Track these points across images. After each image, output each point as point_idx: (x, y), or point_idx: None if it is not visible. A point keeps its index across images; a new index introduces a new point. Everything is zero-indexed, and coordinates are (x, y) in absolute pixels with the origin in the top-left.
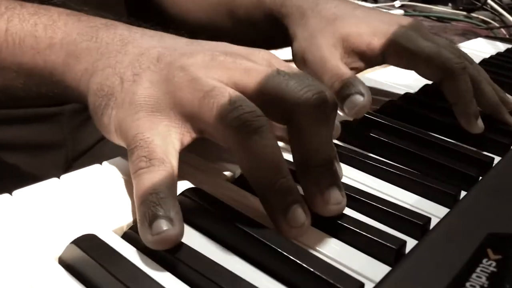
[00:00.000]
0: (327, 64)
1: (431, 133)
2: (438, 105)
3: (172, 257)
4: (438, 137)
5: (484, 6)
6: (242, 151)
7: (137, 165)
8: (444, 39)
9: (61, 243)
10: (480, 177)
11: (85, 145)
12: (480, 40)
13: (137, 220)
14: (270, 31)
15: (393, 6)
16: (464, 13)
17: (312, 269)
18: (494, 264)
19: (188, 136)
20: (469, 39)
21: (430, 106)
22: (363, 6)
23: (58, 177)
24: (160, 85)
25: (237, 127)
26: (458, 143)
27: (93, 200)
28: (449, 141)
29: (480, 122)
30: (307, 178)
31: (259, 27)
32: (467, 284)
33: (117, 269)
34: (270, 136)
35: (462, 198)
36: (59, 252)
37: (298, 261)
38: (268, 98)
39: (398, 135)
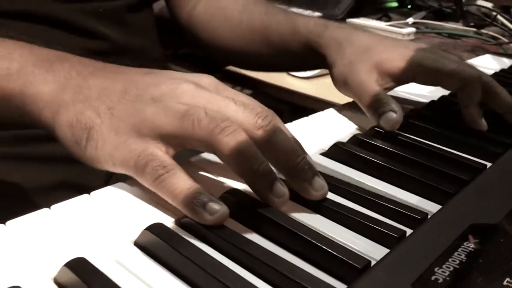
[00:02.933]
0: (365, 87)
1: (435, 144)
2: (445, 120)
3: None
4: (440, 147)
5: (494, 22)
6: (225, 152)
7: (156, 174)
8: (454, 56)
9: (55, 265)
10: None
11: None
12: (487, 57)
13: (188, 213)
14: (304, 57)
15: (406, 23)
16: (474, 29)
17: (329, 249)
18: (472, 245)
19: (171, 150)
20: (478, 55)
21: (436, 121)
22: (388, 37)
23: (100, 187)
24: (138, 115)
25: (218, 132)
26: (457, 152)
27: (82, 228)
28: (449, 151)
29: (484, 122)
30: (295, 179)
31: (294, 53)
32: (450, 259)
33: None
34: (243, 134)
35: (454, 196)
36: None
37: (317, 243)
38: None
39: (406, 145)
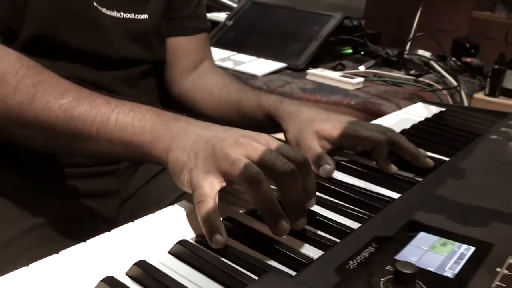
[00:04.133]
0: (310, 148)
1: (361, 181)
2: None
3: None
4: (362, 185)
5: (430, 71)
6: (252, 192)
7: (197, 199)
8: (375, 124)
9: None
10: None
11: (132, 190)
12: (419, 105)
13: (204, 232)
14: (266, 124)
15: (357, 73)
16: (413, 77)
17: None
18: (373, 249)
19: (223, 183)
20: (414, 102)
21: (364, 165)
22: (324, 112)
23: (114, 215)
24: (210, 159)
25: (248, 180)
26: (375, 187)
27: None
28: (366, 188)
29: (393, 167)
30: (288, 214)
31: (258, 121)
32: (358, 256)
33: None
34: (266, 184)
35: (369, 219)
36: None
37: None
38: (264, 166)
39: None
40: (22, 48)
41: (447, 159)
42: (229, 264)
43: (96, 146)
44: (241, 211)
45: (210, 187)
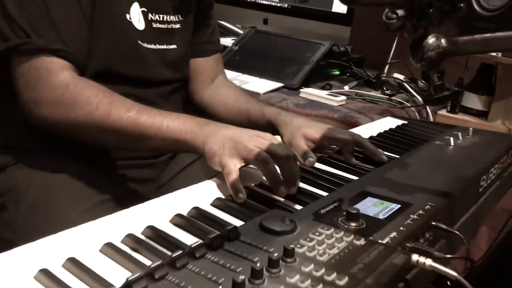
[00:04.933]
0: (299, 146)
1: (332, 169)
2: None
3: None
4: (332, 171)
5: (402, 91)
6: (263, 169)
7: (226, 173)
8: (346, 130)
9: None
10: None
11: (166, 179)
12: (388, 119)
13: (231, 193)
14: (267, 129)
15: (342, 92)
16: (387, 96)
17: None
18: (336, 204)
19: (242, 163)
20: (384, 116)
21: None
22: (310, 120)
23: (152, 198)
24: (232, 148)
25: (260, 161)
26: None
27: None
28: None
29: (354, 160)
30: (286, 183)
31: (262, 126)
32: (327, 208)
33: None
34: (272, 164)
35: (334, 191)
36: None
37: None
38: (269, 153)
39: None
40: (90, 77)
41: (398, 156)
42: (244, 209)
43: (154, 143)
44: (252, 184)
45: (234, 165)
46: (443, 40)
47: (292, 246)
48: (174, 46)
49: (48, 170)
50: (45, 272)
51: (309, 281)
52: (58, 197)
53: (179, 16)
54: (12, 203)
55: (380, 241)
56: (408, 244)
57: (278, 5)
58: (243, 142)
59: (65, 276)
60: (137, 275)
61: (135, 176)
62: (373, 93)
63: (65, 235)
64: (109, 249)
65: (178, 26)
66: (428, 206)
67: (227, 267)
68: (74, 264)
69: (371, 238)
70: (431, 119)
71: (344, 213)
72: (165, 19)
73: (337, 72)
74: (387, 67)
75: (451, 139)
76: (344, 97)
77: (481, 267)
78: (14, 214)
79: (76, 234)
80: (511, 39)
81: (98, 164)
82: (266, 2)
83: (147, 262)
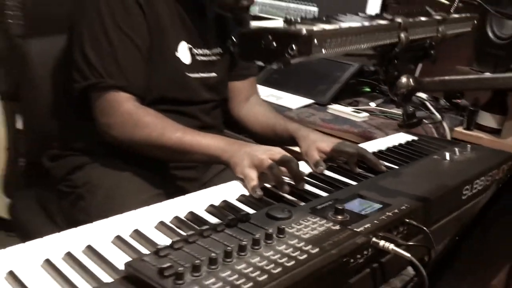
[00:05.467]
0: (313, 156)
1: (337, 175)
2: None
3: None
4: (337, 177)
5: (421, 108)
6: (270, 173)
7: (247, 180)
8: (352, 144)
9: None
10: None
11: (206, 179)
12: (400, 134)
13: (251, 193)
14: (289, 141)
15: (368, 108)
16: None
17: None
18: (331, 202)
19: (258, 172)
20: (399, 132)
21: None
22: (324, 135)
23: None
24: (250, 161)
25: (267, 167)
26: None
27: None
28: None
29: (357, 169)
30: (294, 180)
31: (285, 139)
32: (324, 204)
33: None
34: (277, 168)
35: (334, 192)
36: None
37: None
38: (279, 161)
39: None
40: (149, 102)
41: (397, 167)
42: (260, 202)
43: (194, 157)
44: (268, 185)
45: (253, 173)
46: (411, 80)
47: (283, 226)
48: (214, 74)
49: (117, 170)
50: (118, 238)
51: (291, 249)
52: (124, 191)
53: (219, 49)
54: (88, 194)
55: (356, 229)
56: (379, 234)
57: None
58: (257, 155)
59: (133, 242)
60: (178, 238)
61: (182, 176)
62: (394, 110)
63: (130, 215)
64: (162, 226)
65: (217, 57)
66: (403, 207)
67: (237, 238)
68: (137, 234)
69: (349, 227)
70: (448, 135)
71: (335, 209)
72: (206, 53)
73: (368, 89)
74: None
75: (447, 154)
76: (366, 114)
77: (438, 254)
78: (89, 203)
79: (138, 215)
80: (462, 82)
81: (154, 166)
82: None
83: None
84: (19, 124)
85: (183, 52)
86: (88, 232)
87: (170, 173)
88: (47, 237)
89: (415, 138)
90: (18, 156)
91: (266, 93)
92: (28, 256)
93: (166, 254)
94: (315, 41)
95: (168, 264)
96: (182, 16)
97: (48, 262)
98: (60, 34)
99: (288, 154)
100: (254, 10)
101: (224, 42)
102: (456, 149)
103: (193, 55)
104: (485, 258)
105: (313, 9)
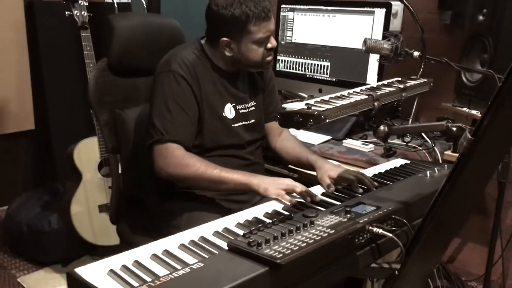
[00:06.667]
0: (325, 181)
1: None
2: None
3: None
4: (344, 195)
5: (416, 137)
6: (300, 190)
7: (279, 197)
8: (354, 170)
9: None
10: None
11: (255, 201)
12: (397, 160)
13: (285, 202)
14: (310, 169)
15: (373, 141)
16: (405, 143)
17: None
18: (341, 208)
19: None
20: (397, 157)
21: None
22: (336, 165)
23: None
24: (275, 186)
25: (277, 195)
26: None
27: None
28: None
29: (359, 189)
30: (309, 195)
31: (307, 167)
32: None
33: None
34: (287, 197)
35: (340, 203)
36: None
37: None
38: (293, 189)
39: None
40: (205, 150)
41: (390, 183)
42: (294, 209)
43: (228, 187)
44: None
45: (279, 191)
46: (387, 128)
47: (313, 220)
48: (252, 121)
49: (191, 200)
50: (203, 238)
51: (318, 231)
52: (198, 214)
53: (254, 101)
54: (178, 216)
55: (358, 221)
56: (374, 224)
57: (329, 79)
58: (278, 185)
59: (215, 239)
60: (248, 231)
61: (238, 200)
62: (395, 140)
63: (206, 226)
64: (226, 231)
65: (253, 108)
66: (390, 208)
67: (287, 227)
68: (218, 233)
69: (352, 220)
70: (439, 158)
71: (345, 211)
72: (246, 106)
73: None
74: (410, 120)
75: (428, 172)
76: (372, 146)
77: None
78: (179, 221)
79: (210, 226)
80: (427, 127)
81: (217, 194)
82: (320, 77)
83: (241, 232)
84: (119, 169)
85: (228, 111)
86: (179, 239)
87: (228, 197)
88: (143, 246)
89: (408, 162)
90: (119, 192)
91: (293, 132)
92: (123, 259)
93: (249, 235)
94: (322, 116)
95: (252, 240)
96: (223, 83)
97: (137, 262)
98: (147, 103)
99: (296, 183)
100: (279, 66)
101: (256, 94)
102: (436, 168)
103: (236, 111)
104: (440, 234)
105: (327, 64)
